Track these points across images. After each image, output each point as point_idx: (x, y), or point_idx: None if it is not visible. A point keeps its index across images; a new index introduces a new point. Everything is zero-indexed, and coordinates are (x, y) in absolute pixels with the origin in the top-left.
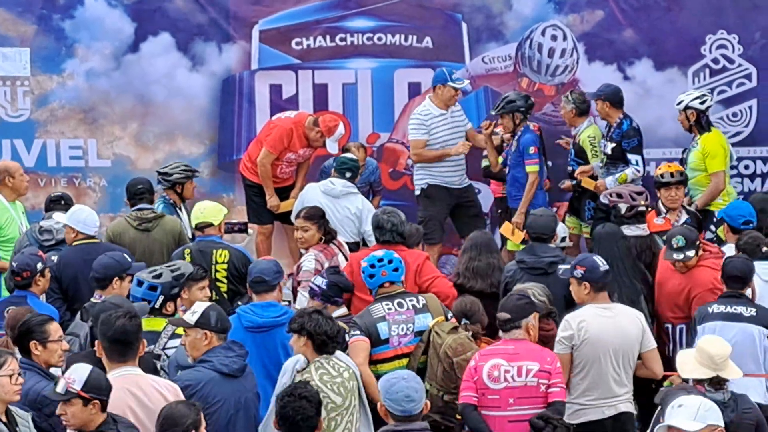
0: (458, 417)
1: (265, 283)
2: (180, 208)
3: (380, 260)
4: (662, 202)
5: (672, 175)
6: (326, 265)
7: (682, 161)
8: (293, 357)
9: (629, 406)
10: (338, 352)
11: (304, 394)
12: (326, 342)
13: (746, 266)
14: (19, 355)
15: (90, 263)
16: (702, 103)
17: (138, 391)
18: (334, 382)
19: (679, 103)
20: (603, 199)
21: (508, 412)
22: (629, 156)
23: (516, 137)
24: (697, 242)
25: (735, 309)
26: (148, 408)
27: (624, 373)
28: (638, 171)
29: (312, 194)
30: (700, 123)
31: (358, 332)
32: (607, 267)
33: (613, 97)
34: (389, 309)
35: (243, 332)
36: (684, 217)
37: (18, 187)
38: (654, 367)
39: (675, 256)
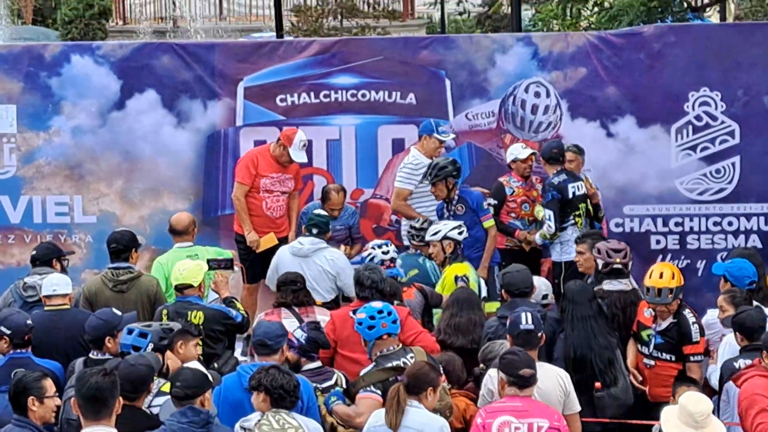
0: None
1: (267, 347)
2: None
3: (380, 312)
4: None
5: (660, 293)
6: None
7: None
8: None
9: None
10: (297, 415)
11: None
12: (283, 396)
13: (762, 315)
14: None
15: (52, 331)
16: (460, 233)
17: None
18: None
19: (435, 233)
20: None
21: None
22: (544, 210)
23: (455, 201)
24: None
25: None
26: None
27: None
28: (550, 227)
29: (284, 258)
30: (455, 254)
31: (379, 392)
32: (531, 327)
33: (544, 152)
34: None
35: (242, 392)
36: (668, 322)
37: (193, 239)
38: None
39: None
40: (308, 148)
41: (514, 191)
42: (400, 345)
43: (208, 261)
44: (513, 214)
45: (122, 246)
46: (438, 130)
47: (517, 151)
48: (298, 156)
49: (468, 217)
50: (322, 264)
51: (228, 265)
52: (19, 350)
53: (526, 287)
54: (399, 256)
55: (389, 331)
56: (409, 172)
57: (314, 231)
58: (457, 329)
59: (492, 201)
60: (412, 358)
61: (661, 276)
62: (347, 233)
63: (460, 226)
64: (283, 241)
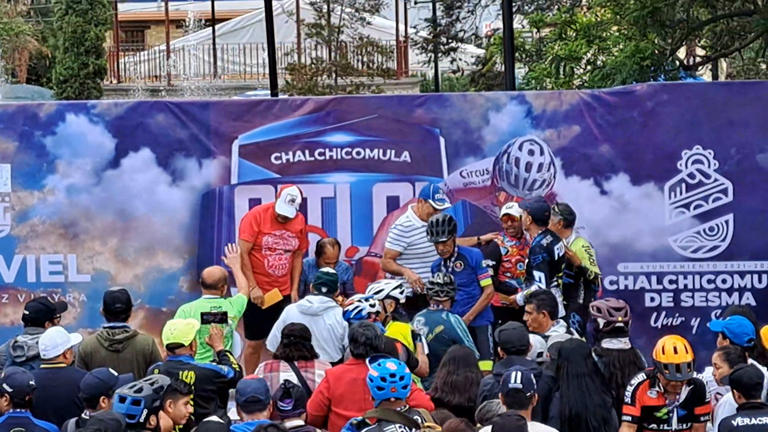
0: None
1: (260, 402)
2: None
3: (392, 375)
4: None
5: (679, 368)
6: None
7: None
8: None
9: None
10: None
11: None
12: None
13: (759, 372)
14: None
15: (48, 389)
16: (401, 292)
17: None
18: None
19: (378, 292)
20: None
21: None
22: (533, 272)
23: (454, 257)
24: None
25: (761, 420)
26: None
27: None
28: (540, 288)
29: (292, 315)
30: (397, 313)
31: None
32: (519, 386)
33: (536, 213)
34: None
35: None
36: (685, 392)
37: (221, 294)
38: None
39: None
40: (303, 205)
41: (508, 251)
42: (407, 406)
43: (202, 315)
44: (509, 274)
45: (124, 305)
46: (435, 197)
47: (514, 210)
48: (284, 209)
49: (466, 274)
50: (332, 323)
51: (222, 318)
52: (19, 410)
53: (522, 345)
54: (420, 313)
55: (397, 395)
56: (398, 233)
57: (323, 290)
58: (453, 387)
59: (490, 262)
60: (417, 418)
61: (675, 351)
62: (342, 289)
63: (401, 285)
64: (286, 299)
